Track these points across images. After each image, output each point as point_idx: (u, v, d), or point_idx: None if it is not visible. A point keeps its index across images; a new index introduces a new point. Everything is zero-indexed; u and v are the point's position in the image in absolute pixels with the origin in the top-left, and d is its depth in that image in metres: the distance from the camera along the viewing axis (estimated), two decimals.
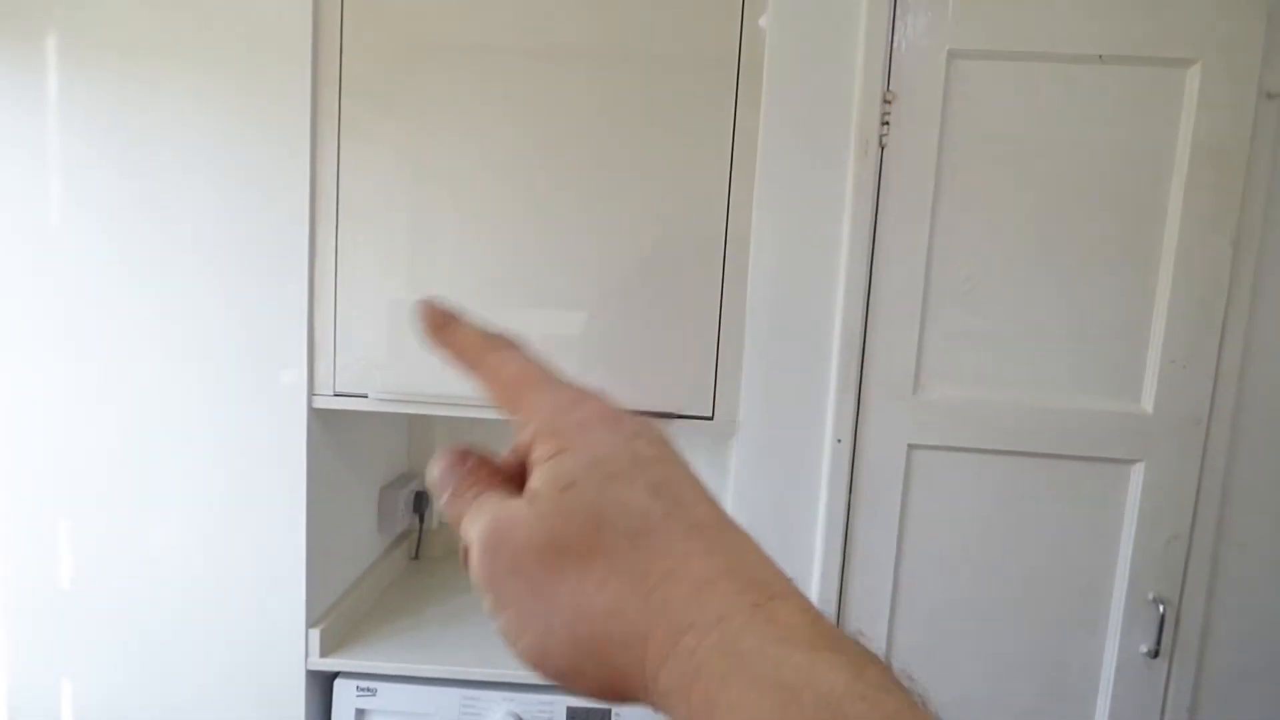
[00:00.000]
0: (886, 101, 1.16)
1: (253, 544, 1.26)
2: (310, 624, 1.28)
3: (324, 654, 1.29)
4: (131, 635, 1.29)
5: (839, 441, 1.20)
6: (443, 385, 1.24)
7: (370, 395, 1.24)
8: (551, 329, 1.23)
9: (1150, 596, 1.20)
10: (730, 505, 1.22)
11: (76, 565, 1.28)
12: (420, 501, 1.74)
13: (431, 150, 1.21)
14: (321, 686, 1.34)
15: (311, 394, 1.24)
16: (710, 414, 1.23)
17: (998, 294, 1.17)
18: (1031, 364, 1.18)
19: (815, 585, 1.23)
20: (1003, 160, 1.16)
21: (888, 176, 1.17)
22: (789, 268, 1.19)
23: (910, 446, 1.20)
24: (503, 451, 0.35)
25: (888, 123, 1.16)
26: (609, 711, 1.29)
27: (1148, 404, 1.18)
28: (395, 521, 1.63)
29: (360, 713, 1.31)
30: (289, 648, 1.28)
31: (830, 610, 1.23)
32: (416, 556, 1.78)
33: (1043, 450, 1.19)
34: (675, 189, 1.20)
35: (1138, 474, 1.19)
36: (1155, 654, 1.20)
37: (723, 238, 1.21)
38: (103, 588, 1.28)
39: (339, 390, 1.24)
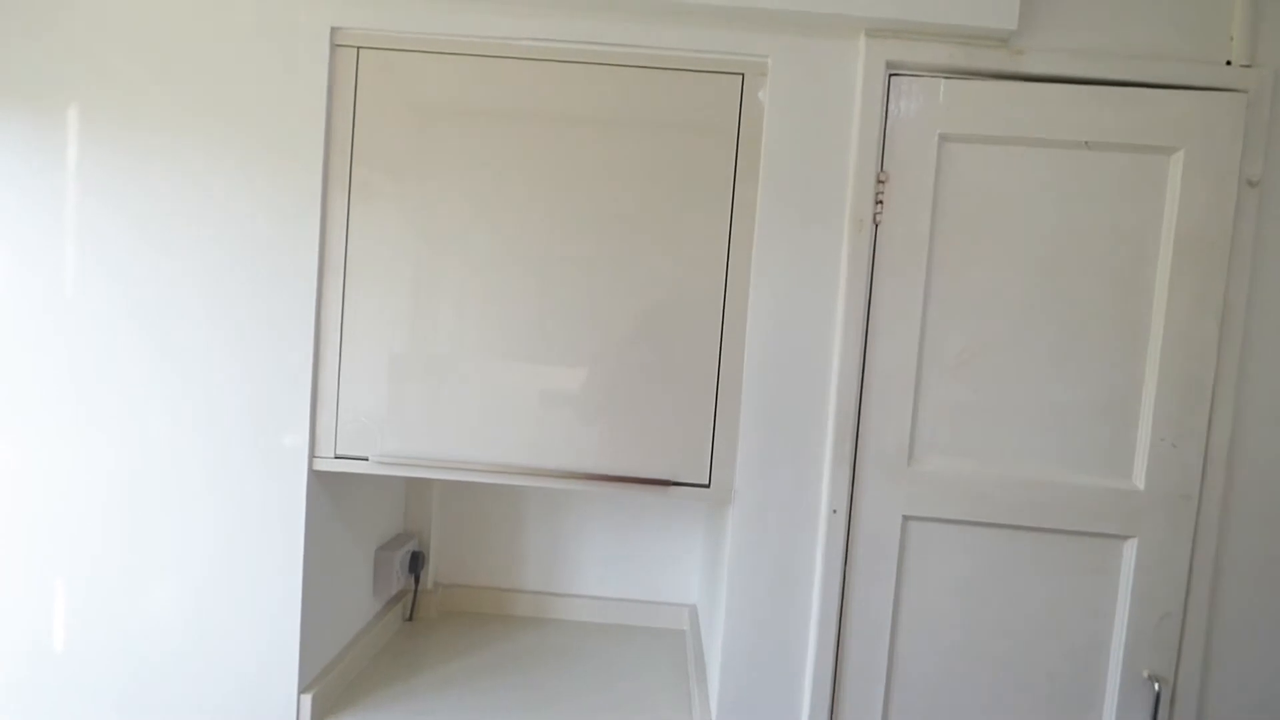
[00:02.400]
0: (880, 181, 1.19)
1: (248, 605, 1.26)
2: (302, 689, 1.27)
3: None
4: (124, 699, 1.27)
5: (834, 512, 1.21)
6: (443, 449, 1.25)
7: (371, 458, 1.25)
8: (553, 395, 1.25)
9: (1145, 674, 1.20)
10: (727, 572, 1.22)
11: (70, 626, 1.27)
12: (416, 562, 1.74)
13: (439, 213, 1.24)
14: None
15: (313, 456, 1.25)
16: (707, 482, 1.24)
17: (990, 368, 1.20)
18: (1023, 438, 1.20)
19: (811, 652, 1.23)
20: (994, 239, 1.19)
21: (882, 252, 1.20)
22: (786, 339, 1.22)
23: (905, 518, 1.21)
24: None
25: (881, 201, 1.19)
26: None
27: (1139, 480, 1.19)
28: (390, 583, 1.63)
29: None
30: (281, 715, 1.27)
31: (827, 679, 1.22)
32: (411, 618, 1.76)
33: (1035, 524, 1.20)
34: (675, 256, 1.23)
35: (1130, 550, 1.19)
36: None
37: (720, 307, 1.24)
38: (97, 649, 1.27)
39: (340, 453, 1.25)
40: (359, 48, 1.23)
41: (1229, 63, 1.18)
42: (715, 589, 1.42)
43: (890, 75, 1.19)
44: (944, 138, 1.19)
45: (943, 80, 1.19)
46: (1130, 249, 1.18)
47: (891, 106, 1.20)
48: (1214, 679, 1.21)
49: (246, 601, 1.26)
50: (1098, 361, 1.19)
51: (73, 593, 1.27)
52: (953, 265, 1.20)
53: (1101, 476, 1.20)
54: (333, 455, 1.25)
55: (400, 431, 1.26)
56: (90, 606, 1.27)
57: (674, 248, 1.23)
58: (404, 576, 1.70)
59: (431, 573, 1.82)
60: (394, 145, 1.24)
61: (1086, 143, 1.17)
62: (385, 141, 1.24)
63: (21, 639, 1.28)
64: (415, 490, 1.80)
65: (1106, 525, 1.19)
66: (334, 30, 1.22)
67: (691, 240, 1.23)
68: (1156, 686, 1.19)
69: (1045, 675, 1.22)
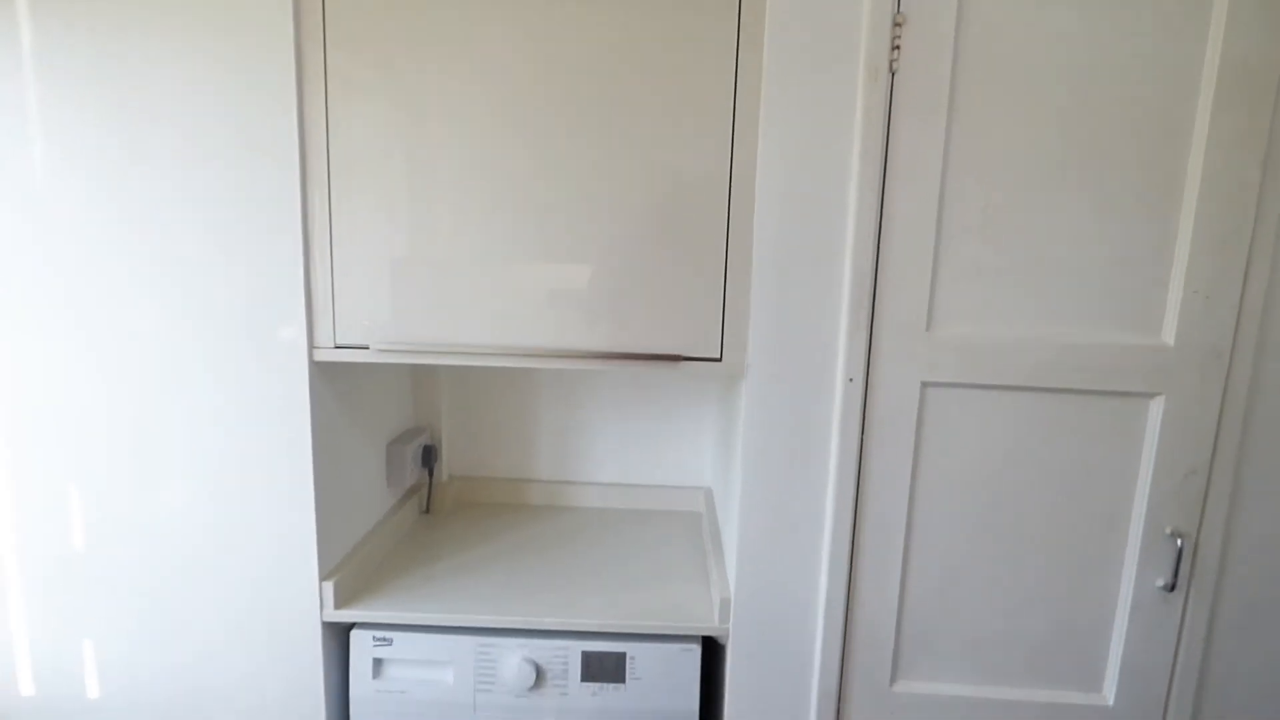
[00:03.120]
0: (897, 24, 1.10)
1: (262, 499, 1.25)
2: (323, 577, 1.29)
3: (338, 606, 1.30)
4: (148, 594, 1.30)
5: (850, 381, 1.17)
6: (444, 334, 1.22)
7: (371, 347, 1.22)
8: (557, 269, 1.20)
9: (1168, 530, 1.18)
10: (741, 448, 1.20)
11: (88, 528, 1.28)
12: (429, 455, 1.74)
13: (428, 97, 1.16)
14: (338, 638, 1.35)
15: (312, 347, 1.22)
16: (718, 355, 1.20)
17: (1013, 225, 1.13)
18: (1048, 297, 1.15)
19: (828, 527, 1.22)
20: (1020, 84, 1.10)
21: (898, 105, 1.12)
22: (797, 204, 1.15)
23: (924, 384, 1.17)
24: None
25: (898, 47, 1.10)
26: (624, 654, 1.30)
27: (1168, 336, 1.14)
28: (404, 476, 1.63)
29: (378, 662, 1.32)
30: (304, 601, 1.29)
31: (844, 550, 1.22)
32: (427, 510, 1.78)
33: (1059, 385, 1.16)
34: (678, 129, 1.16)
35: (1157, 407, 1.16)
36: (1172, 587, 1.19)
37: (727, 176, 1.17)
38: (116, 549, 1.28)
39: (340, 343, 1.22)
40: None
41: None
42: (730, 468, 1.41)
43: None
44: None
45: None
46: (1167, 88, 1.09)
47: None
48: (1236, 535, 1.20)
49: (260, 495, 1.25)
50: (1128, 213, 1.12)
51: (87, 496, 1.27)
52: (975, 116, 1.11)
53: (1128, 333, 1.15)
54: (332, 345, 1.22)
55: (400, 320, 1.22)
56: (106, 508, 1.27)
57: (678, 117, 1.16)
58: (417, 470, 1.70)
59: (445, 466, 1.82)
60: (371, 27, 1.15)
61: None
62: (362, 23, 1.15)
63: (43, 542, 1.29)
64: (423, 384, 1.78)
65: (1132, 384, 1.15)
66: None
67: (696, 107, 1.15)
68: (1179, 542, 1.17)
69: (1067, 536, 1.21)
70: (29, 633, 1.32)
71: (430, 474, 1.77)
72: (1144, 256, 1.13)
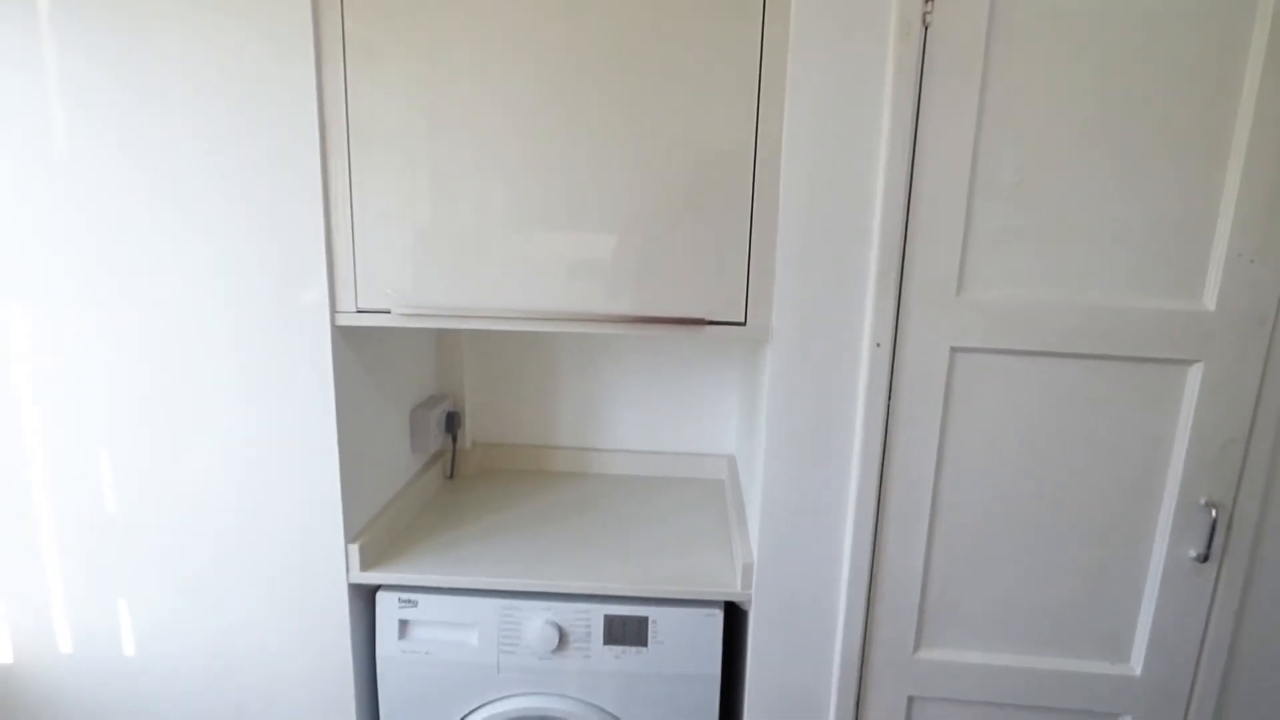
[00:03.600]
0: None
1: (288, 461, 1.27)
2: (349, 539, 1.30)
3: (364, 568, 1.31)
4: (180, 556, 1.32)
5: (878, 346, 1.15)
6: (465, 298, 1.21)
7: (393, 311, 1.21)
8: (583, 232, 1.19)
9: (1202, 501, 1.16)
10: (765, 413, 1.19)
11: (120, 492, 1.30)
12: (452, 422, 1.74)
13: (449, 63, 1.14)
14: (365, 599, 1.37)
15: (334, 311, 1.22)
16: (743, 319, 1.19)
17: (1049, 186, 1.09)
18: (1084, 261, 1.11)
19: (853, 494, 1.21)
20: (1058, 39, 1.06)
21: (931, 61, 1.08)
22: (825, 164, 1.12)
23: (953, 350, 1.15)
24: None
25: (932, 0, 1.06)
26: (646, 618, 1.30)
27: (1209, 301, 1.11)
28: (428, 441, 1.64)
29: (403, 623, 1.34)
30: (330, 562, 1.30)
31: (869, 517, 1.21)
32: (451, 476, 1.79)
33: (1093, 352, 1.13)
34: (705, 93, 1.13)
35: (1195, 375, 1.13)
36: (1204, 559, 1.17)
37: (753, 139, 1.14)
38: (147, 513, 1.31)
39: (362, 307, 1.22)
40: None
41: None
42: (754, 435, 1.39)
43: None
44: None
45: None
46: (1214, 41, 1.04)
47: None
48: (1274, 506, 1.17)
49: (286, 458, 1.27)
50: (1170, 173, 1.08)
51: (117, 461, 1.29)
52: (1011, 72, 1.07)
53: (1168, 298, 1.11)
54: (354, 310, 1.22)
55: (421, 284, 1.21)
56: (136, 473, 1.29)
57: (705, 81, 1.13)
58: (441, 436, 1.71)
59: (468, 432, 1.83)
60: None
61: None
62: None
63: (76, 507, 1.31)
64: (446, 351, 1.79)
65: (1171, 350, 1.12)
66: None
67: (723, 68, 1.12)
68: (1214, 513, 1.15)
69: (1097, 506, 1.19)
70: (66, 594, 1.35)
71: (454, 440, 1.78)
72: (1186, 218, 1.09)
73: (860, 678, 1.28)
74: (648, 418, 1.83)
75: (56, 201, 1.20)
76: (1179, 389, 1.14)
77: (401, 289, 1.21)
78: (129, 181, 1.19)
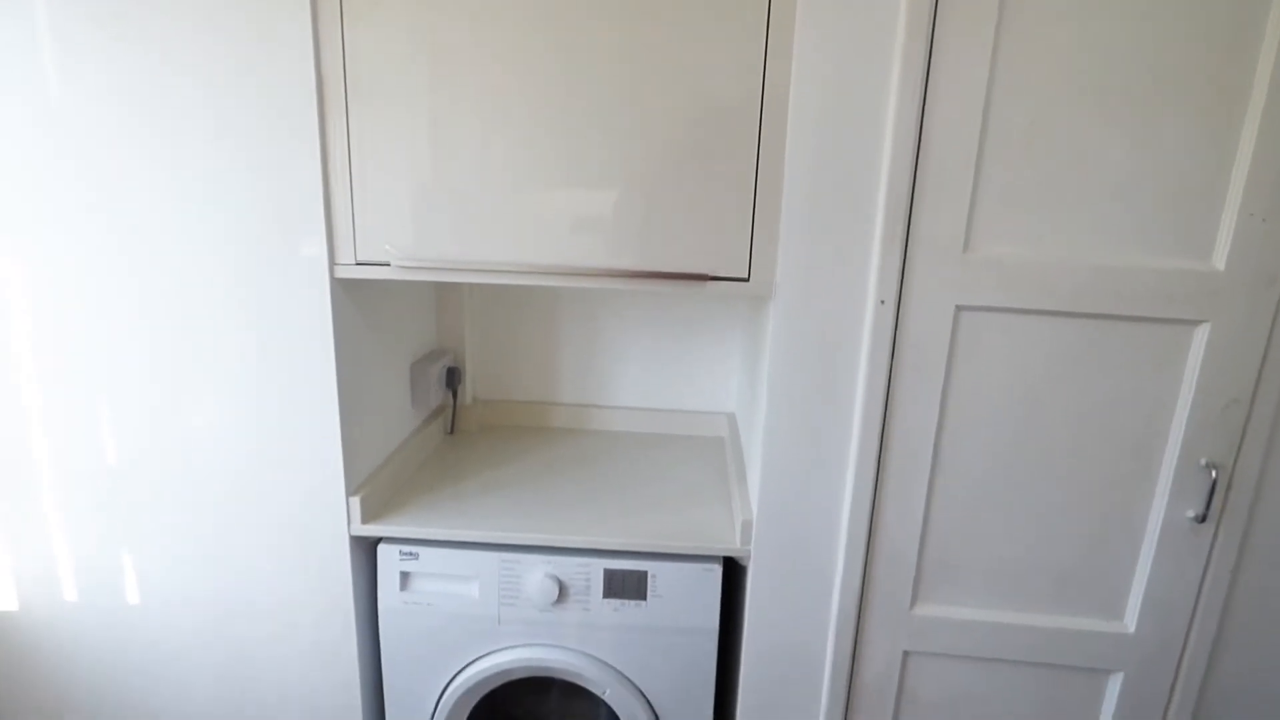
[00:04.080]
0: None
1: (289, 413, 1.26)
2: (350, 492, 1.31)
3: (365, 520, 1.32)
4: (182, 507, 1.33)
5: (882, 303, 1.14)
6: (465, 252, 1.20)
7: (393, 264, 1.20)
8: (585, 186, 1.17)
9: (1203, 461, 1.16)
10: (768, 370, 1.19)
11: (121, 444, 1.30)
12: (453, 377, 1.74)
13: (449, 12, 1.11)
14: (366, 552, 1.38)
15: (333, 264, 1.20)
16: (746, 276, 1.18)
17: (1060, 142, 1.07)
18: (1093, 219, 1.10)
19: (854, 451, 1.21)
20: None
21: (944, 12, 1.05)
22: (832, 117, 1.10)
23: (958, 308, 1.14)
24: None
25: None
26: (645, 573, 1.31)
27: (1219, 261, 1.09)
28: (429, 397, 1.64)
29: (405, 575, 1.35)
30: (332, 515, 1.31)
31: (869, 475, 1.21)
32: (451, 431, 1.79)
33: (1099, 311, 1.12)
34: (710, 44, 1.10)
35: (1201, 335, 1.12)
36: (1203, 519, 1.17)
37: (760, 92, 1.12)
38: (149, 464, 1.31)
39: (361, 259, 1.21)
40: None
41: None
42: (755, 392, 1.39)
43: None
44: None
45: None
46: None
47: None
48: (1274, 468, 1.17)
49: (287, 410, 1.26)
50: (1185, 130, 1.06)
51: (118, 412, 1.29)
52: (1025, 23, 1.04)
53: (1177, 258, 1.10)
54: (354, 262, 1.21)
55: (421, 237, 1.20)
56: (137, 424, 1.29)
57: (711, 31, 1.10)
58: (442, 391, 1.71)
59: (469, 388, 1.83)
60: None
61: None
62: None
63: (78, 457, 1.31)
64: (446, 306, 1.78)
65: (1178, 310, 1.11)
66: None
67: (729, 21, 1.09)
68: (1214, 474, 1.15)
69: (1097, 466, 1.19)
70: (70, 543, 1.36)
71: (454, 396, 1.77)
72: (1198, 177, 1.07)
73: (856, 632, 1.30)
74: (649, 375, 1.83)
75: (49, 154, 1.18)
76: (1184, 350, 1.13)
77: (401, 243, 1.20)
78: (123, 134, 1.16)
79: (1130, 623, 1.25)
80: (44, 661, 1.43)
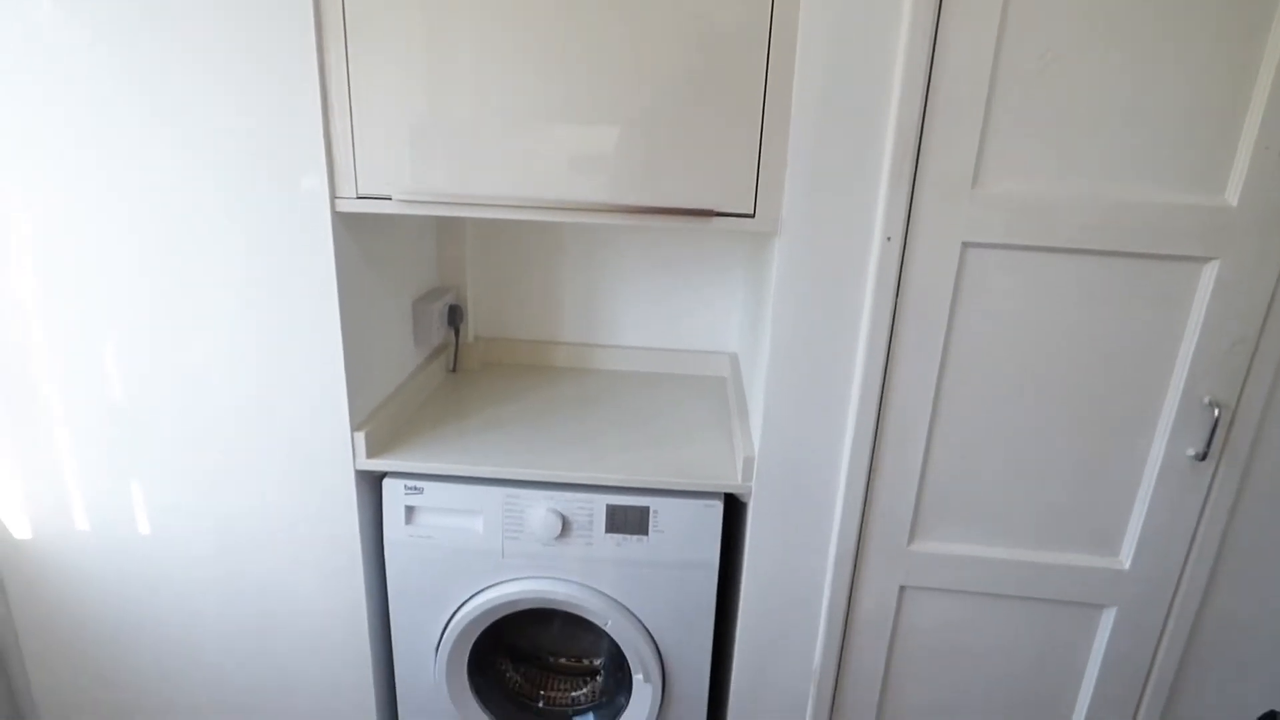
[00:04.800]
0: None
1: (292, 349, 1.27)
2: (354, 427, 1.31)
3: (370, 455, 1.33)
4: (189, 442, 1.34)
5: (888, 240, 1.13)
6: (466, 185, 1.18)
7: (394, 197, 1.18)
8: (585, 119, 1.15)
9: (1206, 400, 1.16)
10: (772, 307, 1.18)
11: (126, 379, 1.31)
12: (454, 315, 1.74)
13: None
14: (371, 486, 1.40)
15: (334, 197, 1.19)
16: (751, 211, 1.16)
17: (1074, 73, 1.05)
18: (1105, 153, 1.07)
19: (856, 388, 1.21)
20: None
21: None
22: (841, 50, 1.07)
23: (965, 245, 1.12)
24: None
25: None
26: (647, 508, 1.33)
27: (1231, 196, 1.08)
28: (431, 334, 1.64)
29: (410, 509, 1.37)
30: (337, 450, 1.32)
31: (871, 412, 1.21)
32: (454, 369, 1.80)
33: (1108, 248, 1.11)
34: None
35: (1210, 272, 1.11)
36: (1203, 456, 1.18)
37: (768, 17, 1.08)
38: (155, 399, 1.32)
39: (362, 193, 1.19)
40: None
41: None
42: (758, 330, 1.39)
43: None
44: None
45: None
46: None
47: None
48: (1277, 406, 1.17)
49: (290, 345, 1.26)
50: (1201, 60, 1.03)
51: (123, 347, 1.29)
52: None
53: (1189, 193, 1.08)
54: (354, 196, 1.19)
55: (422, 171, 1.18)
56: (143, 359, 1.29)
57: None
58: (444, 329, 1.71)
59: (471, 326, 1.83)
60: None
61: None
62: None
63: (86, 392, 1.32)
64: (448, 244, 1.76)
65: (1187, 246, 1.10)
66: None
67: None
68: (1216, 412, 1.15)
69: (1100, 404, 1.19)
70: (80, 475, 1.38)
71: (456, 334, 1.77)
72: (1214, 109, 1.05)
73: (854, 567, 1.32)
74: (651, 314, 1.82)
75: (44, 94, 1.16)
76: (1192, 287, 1.12)
77: (401, 176, 1.18)
78: (119, 67, 1.14)
79: (1126, 559, 1.27)
80: (58, 588, 1.46)
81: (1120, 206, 1.09)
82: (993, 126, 1.08)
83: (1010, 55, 1.05)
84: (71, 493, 1.39)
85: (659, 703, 1.45)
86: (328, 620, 1.44)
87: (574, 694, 1.63)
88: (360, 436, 1.31)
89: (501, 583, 1.39)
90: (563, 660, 1.67)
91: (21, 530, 1.42)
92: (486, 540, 1.36)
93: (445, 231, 1.76)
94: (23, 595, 1.48)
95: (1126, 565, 1.26)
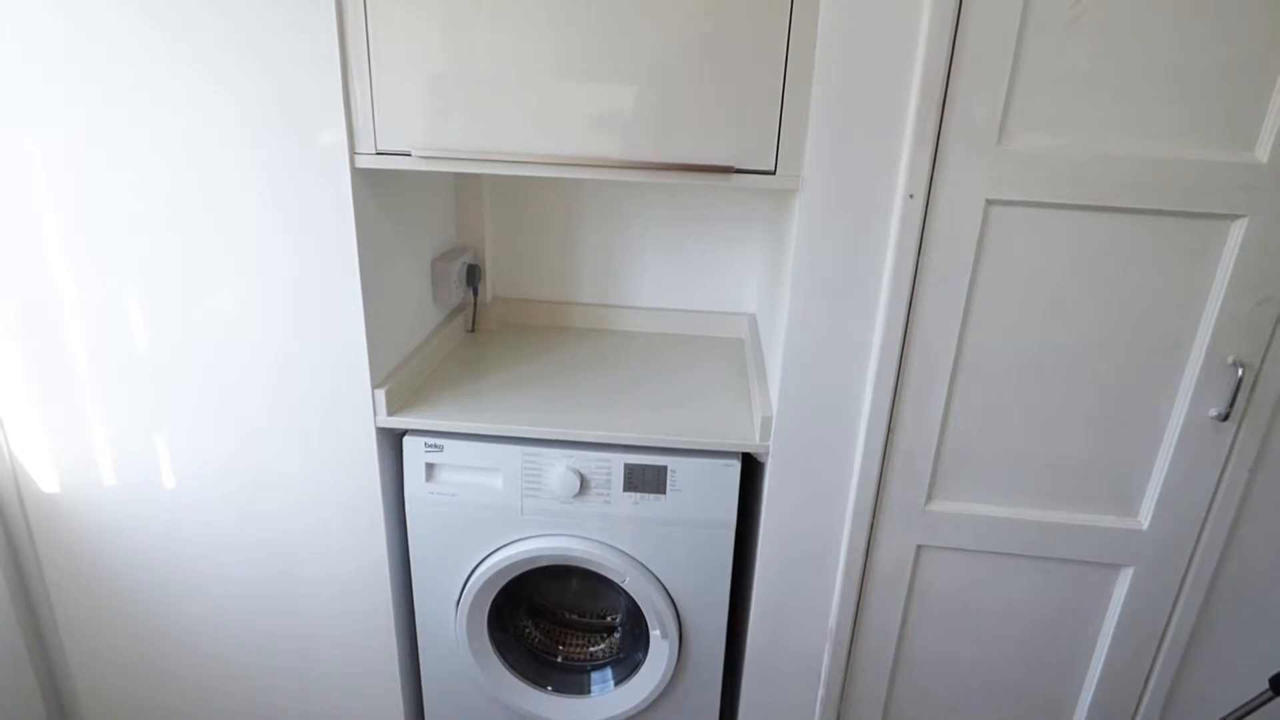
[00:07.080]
0: None
1: (312, 306, 1.27)
2: (375, 384, 1.33)
3: (391, 412, 1.35)
4: (211, 397, 1.36)
5: (911, 197, 1.12)
6: (486, 141, 1.18)
7: (413, 153, 1.18)
8: (605, 74, 1.14)
9: (1229, 360, 1.15)
10: (792, 265, 1.17)
11: (150, 333, 1.32)
12: (473, 275, 1.74)
13: None
14: (392, 443, 1.41)
15: (353, 153, 1.19)
16: (773, 168, 1.15)
17: (1105, 24, 1.02)
18: (1134, 107, 1.05)
19: (876, 347, 1.20)
20: None
21: None
22: (865, 1, 1.05)
23: (989, 202, 1.11)
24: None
25: None
26: (665, 467, 1.34)
27: (1262, 152, 1.06)
28: (450, 294, 1.64)
29: (430, 466, 1.38)
30: (358, 407, 1.33)
31: (890, 372, 1.21)
32: (473, 329, 1.80)
33: (1135, 206, 1.09)
34: None
35: (1238, 230, 1.09)
36: (1225, 417, 1.17)
37: None
38: (179, 353, 1.33)
39: (381, 149, 1.19)
40: None
41: None
42: (777, 290, 1.38)
43: None
44: None
45: None
46: None
47: None
48: None
49: (311, 301, 1.27)
50: (1236, 12, 1.00)
51: (145, 300, 1.30)
52: None
53: (1219, 148, 1.06)
54: (374, 151, 1.19)
55: (441, 127, 1.17)
56: (163, 314, 1.31)
57: None
58: (462, 289, 1.72)
59: (489, 286, 1.83)
60: None
61: None
62: None
63: (109, 345, 1.34)
64: (466, 204, 1.76)
65: (1215, 204, 1.08)
66: None
67: None
68: (1240, 372, 1.14)
69: (1122, 363, 1.18)
70: (106, 430, 1.40)
71: (475, 294, 1.78)
72: (1248, 64, 1.02)
73: (871, 527, 1.33)
74: (669, 275, 1.82)
75: (67, 49, 1.16)
76: (1219, 245, 1.11)
77: (420, 133, 1.17)
78: (141, 21, 1.14)
79: (1145, 519, 1.26)
80: (86, 541, 1.49)
81: (1148, 163, 1.07)
82: (1020, 80, 1.06)
83: (1040, 5, 1.02)
84: (98, 448, 1.41)
85: (676, 659, 1.47)
86: (350, 573, 1.47)
87: (592, 649, 1.66)
88: (381, 394, 1.32)
89: (521, 539, 1.41)
90: (581, 617, 1.70)
91: (49, 484, 1.45)
92: (506, 497, 1.38)
93: (464, 191, 1.75)
94: (53, 548, 1.51)
95: (1145, 525, 1.26)
